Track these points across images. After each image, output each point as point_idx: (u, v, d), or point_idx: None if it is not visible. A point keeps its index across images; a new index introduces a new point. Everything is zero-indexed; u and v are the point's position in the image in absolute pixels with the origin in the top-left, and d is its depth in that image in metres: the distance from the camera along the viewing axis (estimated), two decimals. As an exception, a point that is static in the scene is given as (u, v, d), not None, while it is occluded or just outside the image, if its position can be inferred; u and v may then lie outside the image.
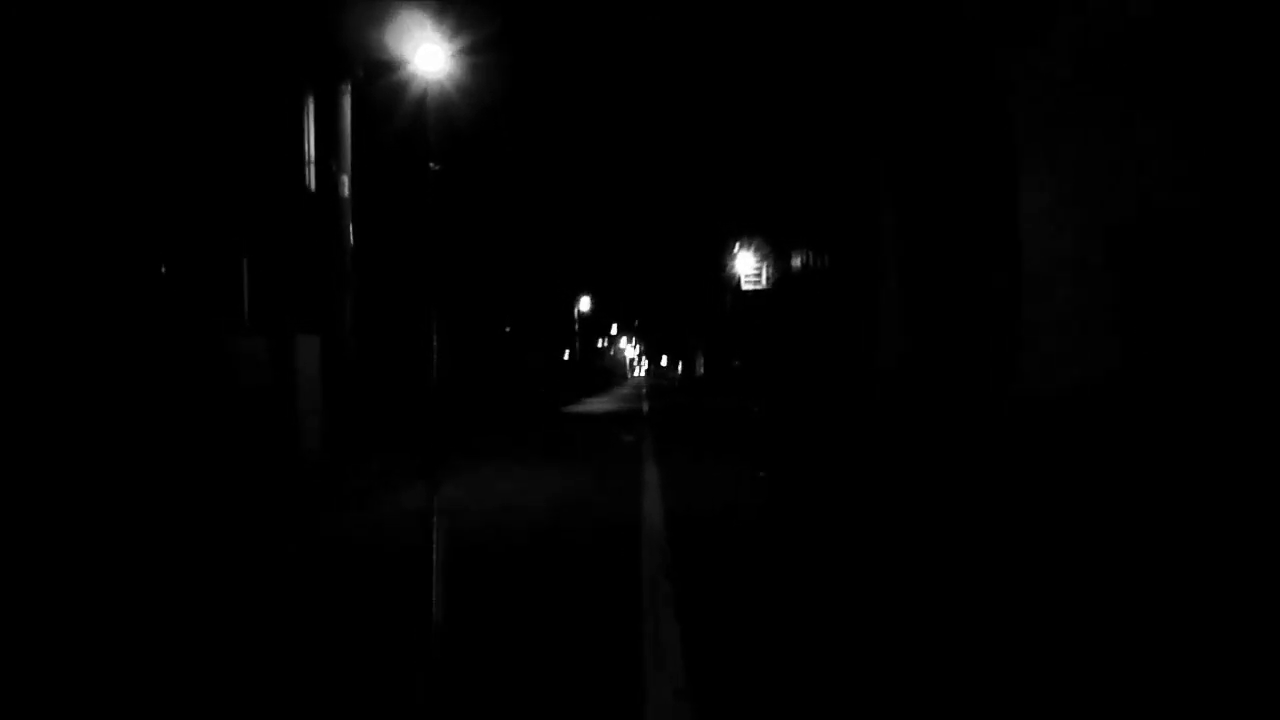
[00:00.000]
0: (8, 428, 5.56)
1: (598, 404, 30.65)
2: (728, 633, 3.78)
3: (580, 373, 42.10)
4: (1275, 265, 5.64)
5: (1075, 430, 7.43)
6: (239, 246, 8.70)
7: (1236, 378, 5.98)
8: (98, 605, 4.37)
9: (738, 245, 32.71)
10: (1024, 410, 8.19)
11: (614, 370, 67.41)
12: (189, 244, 8.00)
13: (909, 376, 11.61)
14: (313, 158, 8.76)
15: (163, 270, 7.67)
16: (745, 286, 32.66)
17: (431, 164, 8.98)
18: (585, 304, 44.69)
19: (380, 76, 9.75)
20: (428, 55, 9.74)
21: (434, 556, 5.45)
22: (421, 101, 11.57)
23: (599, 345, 57.61)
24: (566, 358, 39.50)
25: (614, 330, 67.27)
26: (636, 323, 74.99)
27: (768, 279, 31.38)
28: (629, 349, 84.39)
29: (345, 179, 8.68)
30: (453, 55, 10.24)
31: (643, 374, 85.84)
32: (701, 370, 52.34)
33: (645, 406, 27.93)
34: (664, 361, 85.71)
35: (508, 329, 26.50)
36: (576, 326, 43.22)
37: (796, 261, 24.45)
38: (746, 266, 32.88)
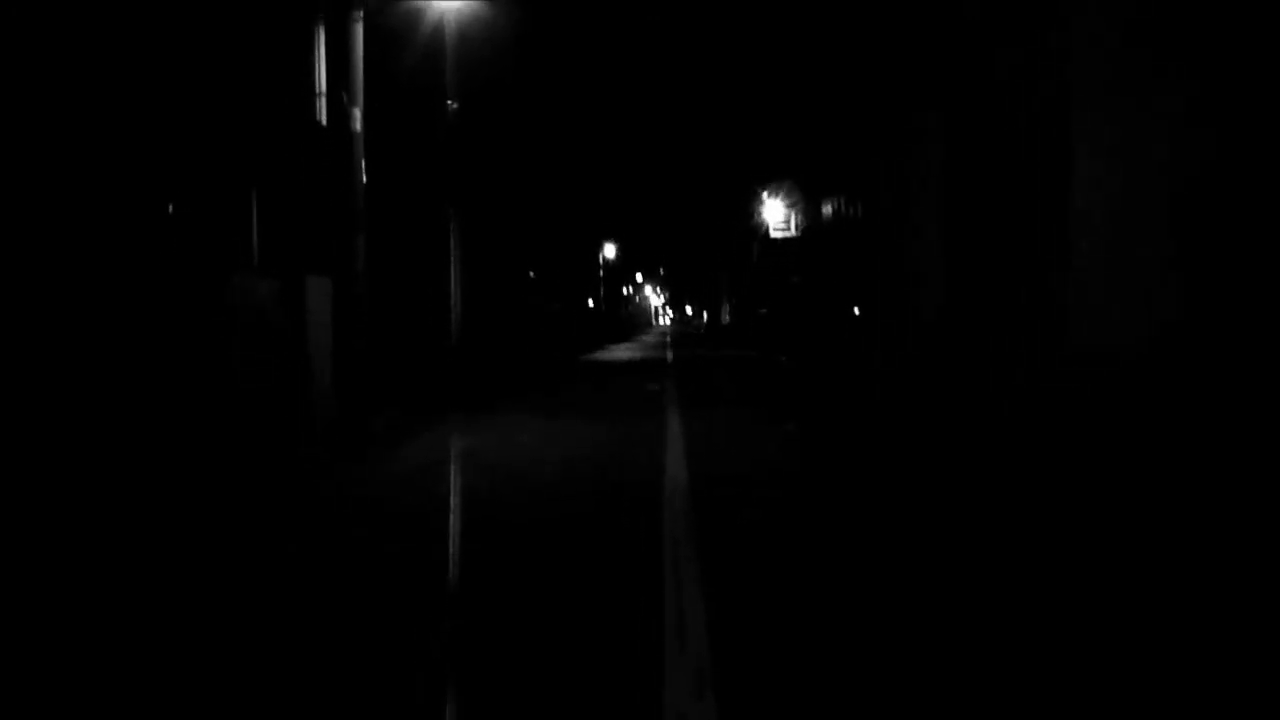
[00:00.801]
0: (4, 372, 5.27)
1: (621, 352, 30.31)
2: (756, 615, 3.42)
3: (604, 321, 41.73)
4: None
5: (1132, 387, 6.96)
6: (248, 183, 8.31)
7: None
8: (99, 570, 4.08)
9: (766, 193, 31.94)
10: (1074, 365, 7.72)
11: (638, 318, 67.02)
12: (197, 179, 7.63)
13: (948, 330, 11.11)
14: (324, 90, 8.31)
15: (169, 207, 7.32)
16: (774, 234, 31.96)
17: (449, 100, 8.49)
18: (610, 251, 44.15)
19: (394, 3, 9.23)
20: (445, -18, 9.20)
21: (448, 522, 5.14)
22: (438, 32, 11.02)
23: (623, 293, 57.14)
24: (590, 305, 39.10)
25: (639, 278, 66.72)
26: (661, 271, 74.33)
27: (797, 227, 30.64)
28: (653, 297, 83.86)
29: (357, 112, 8.23)
30: (472, -17, 9.68)
31: (667, 322, 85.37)
32: (727, 319, 51.76)
33: (669, 355, 27.56)
34: (689, 310, 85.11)
35: (531, 275, 26.10)
36: (601, 274, 42.75)
37: (827, 209, 23.74)
38: (775, 214, 32.13)
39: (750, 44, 26.94)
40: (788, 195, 30.12)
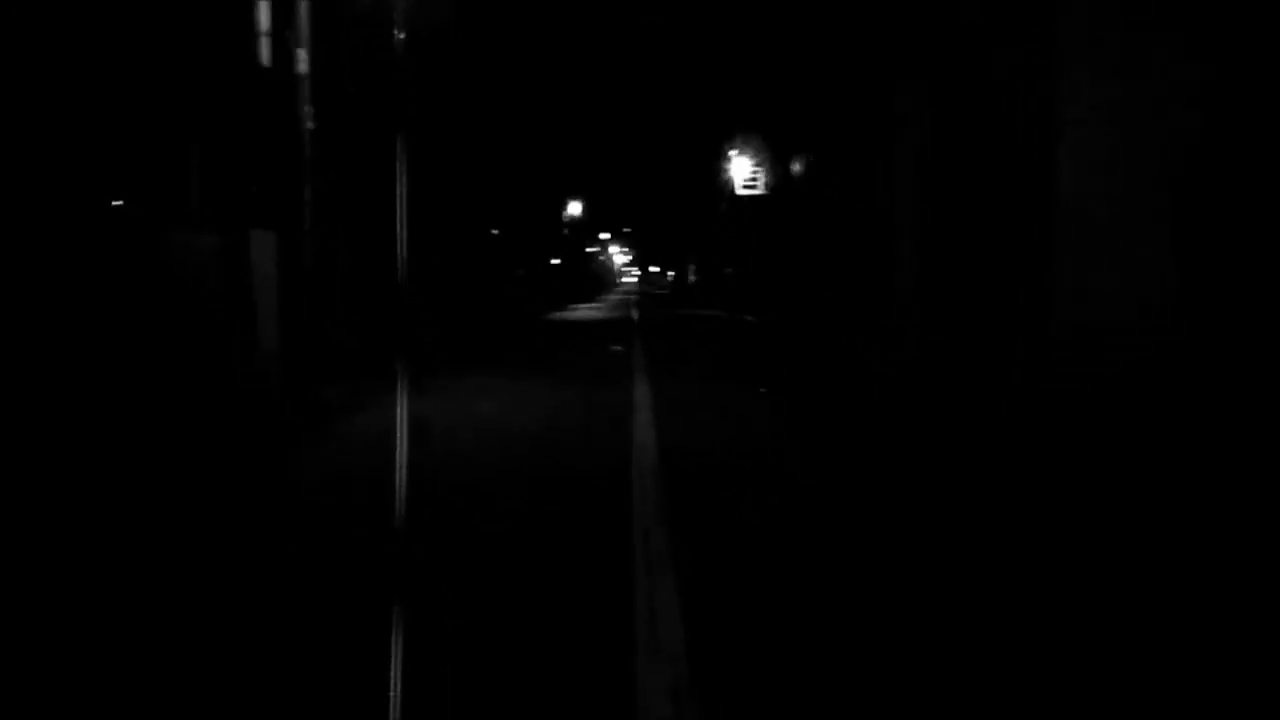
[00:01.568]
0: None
1: (586, 312, 29.82)
2: (739, 618, 3.07)
3: (569, 279, 41.13)
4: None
5: (1120, 364, 6.70)
6: (185, 130, 7.70)
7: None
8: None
9: (734, 149, 31.38)
10: (1060, 339, 7.44)
11: (603, 277, 66.41)
12: (125, 125, 7.02)
13: (923, 299, 10.81)
14: (267, 29, 7.68)
15: (93, 156, 6.71)
16: (741, 191, 31.44)
17: (397, 30, 7.84)
18: (575, 209, 43.39)
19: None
20: (398, -85, 8.54)
21: (398, 508, 4.71)
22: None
23: (588, 251, 56.43)
24: (554, 264, 38.44)
25: (604, 237, 65.97)
26: (627, 229, 73.57)
27: (765, 185, 30.18)
28: (619, 256, 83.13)
29: (303, 54, 7.64)
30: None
31: (633, 281, 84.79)
32: (693, 278, 51.34)
33: (635, 315, 27.15)
34: (654, 269, 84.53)
35: (494, 232, 25.43)
36: (565, 232, 42.04)
37: (797, 166, 23.29)
38: (743, 170, 31.57)
39: (720, -4, 26.22)
40: (756, 152, 29.59)
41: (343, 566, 3.45)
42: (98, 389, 5.72)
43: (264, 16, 7.69)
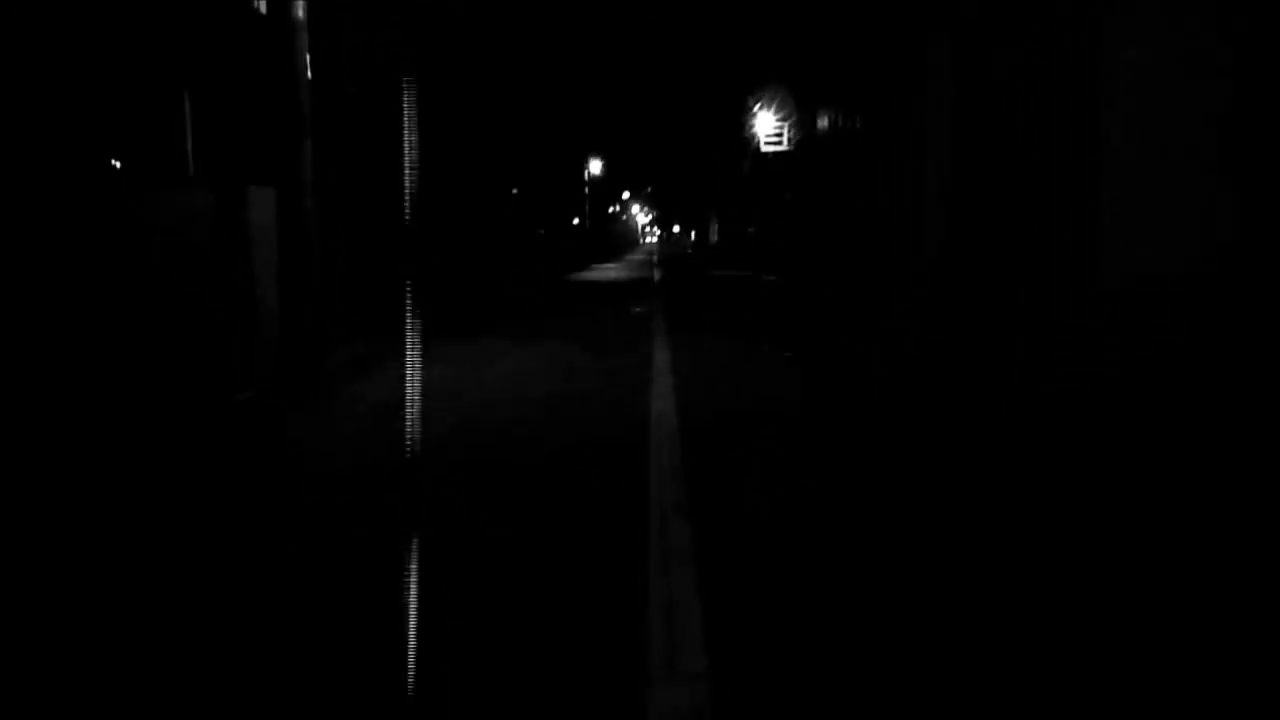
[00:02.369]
0: None
1: (607, 272, 29.36)
2: (764, 604, 2.69)
3: (590, 239, 40.60)
4: None
5: (1176, 316, 6.20)
6: (178, 81, 7.30)
7: None
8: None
9: (757, 104, 30.55)
10: (1107, 296, 6.93)
11: (625, 237, 65.78)
12: (117, 77, 6.63)
13: (955, 258, 10.27)
14: (262, -27, 7.25)
15: (86, 106, 6.33)
16: (765, 148, 30.66)
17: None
18: (596, 167, 42.72)
19: None
20: None
21: (401, 487, 4.38)
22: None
23: (610, 211, 55.77)
24: (575, 223, 37.90)
25: (625, 196, 65.21)
26: (649, 189, 72.70)
27: (789, 140, 29.37)
28: (640, 216, 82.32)
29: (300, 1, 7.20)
30: None
31: (654, 242, 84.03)
32: (715, 238, 50.61)
33: (656, 275, 26.66)
34: (676, 229, 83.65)
35: (514, 191, 24.95)
36: (586, 191, 41.43)
37: (823, 121, 22.54)
38: (766, 126, 30.76)
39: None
40: (780, 106, 28.77)
41: (339, 565, 3.10)
42: (81, 359, 5.39)
43: (259, -41, 7.24)
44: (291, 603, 2.71)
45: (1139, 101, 6.79)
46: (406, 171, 3.18)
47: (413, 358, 2.21)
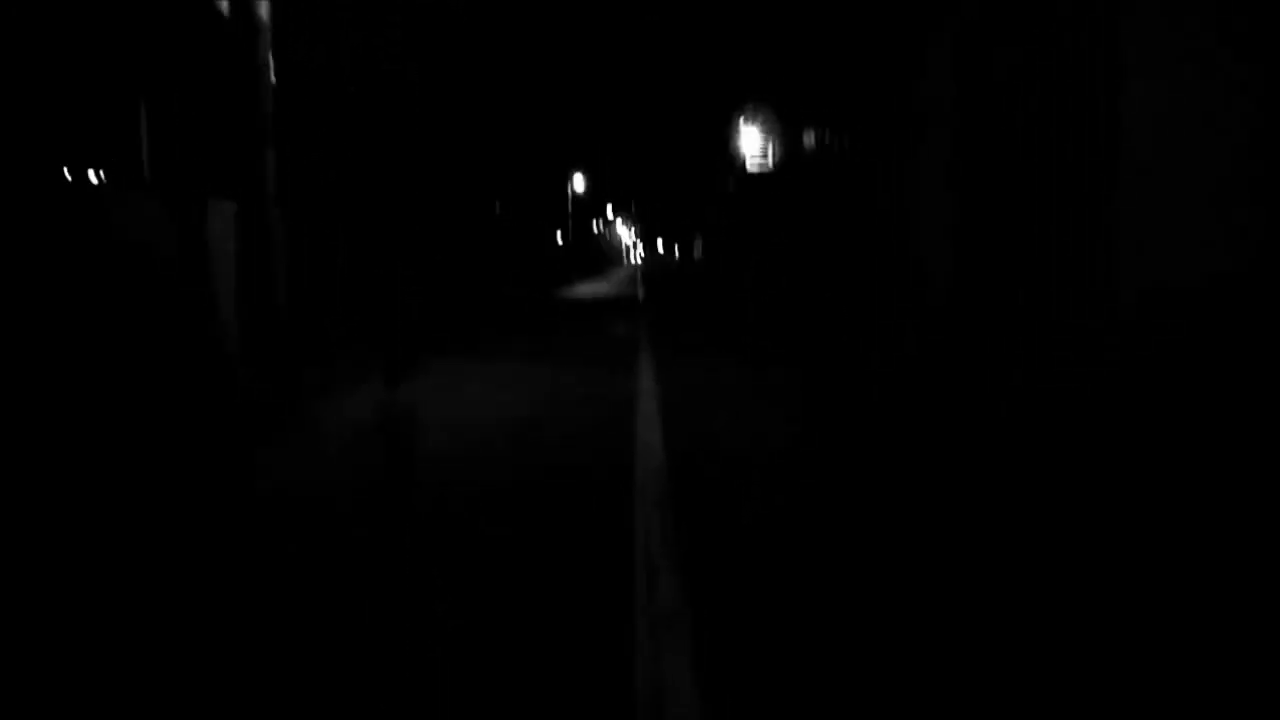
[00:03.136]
0: None
1: (591, 289, 28.96)
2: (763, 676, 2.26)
3: (574, 256, 40.25)
4: None
5: (1197, 329, 5.85)
6: (133, 85, 6.87)
7: None
8: None
9: (742, 119, 30.33)
10: (1123, 311, 6.58)
11: (609, 254, 65.58)
12: (66, 80, 6.19)
13: (958, 276, 9.92)
14: (225, -28, 6.84)
15: (30, 112, 5.90)
16: (750, 168, 30.44)
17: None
18: (579, 183, 42.44)
19: None
20: None
21: (368, 535, 3.94)
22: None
23: (594, 228, 55.48)
24: (559, 240, 37.51)
25: (609, 213, 65.04)
26: (633, 206, 72.61)
27: (774, 159, 29.15)
28: (625, 233, 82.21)
29: (264, 1, 6.79)
30: None
31: (639, 258, 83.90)
32: (700, 255, 50.38)
33: (641, 293, 26.30)
34: (660, 247, 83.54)
35: (496, 207, 24.54)
36: (570, 208, 41.12)
37: (809, 139, 22.31)
38: (751, 145, 30.52)
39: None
40: (765, 123, 28.58)
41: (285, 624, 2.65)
42: (15, 384, 4.92)
43: (221, -42, 6.84)
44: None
45: (1157, 102, 6.46)
46: (384, 185, 2.78)
47: (391, 379, 1.79)
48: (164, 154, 6.93)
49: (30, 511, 3.83)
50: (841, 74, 16.93)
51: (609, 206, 62.74)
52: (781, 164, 27.30)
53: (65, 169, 6.35)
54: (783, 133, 27.19)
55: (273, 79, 6.82)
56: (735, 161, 32.82)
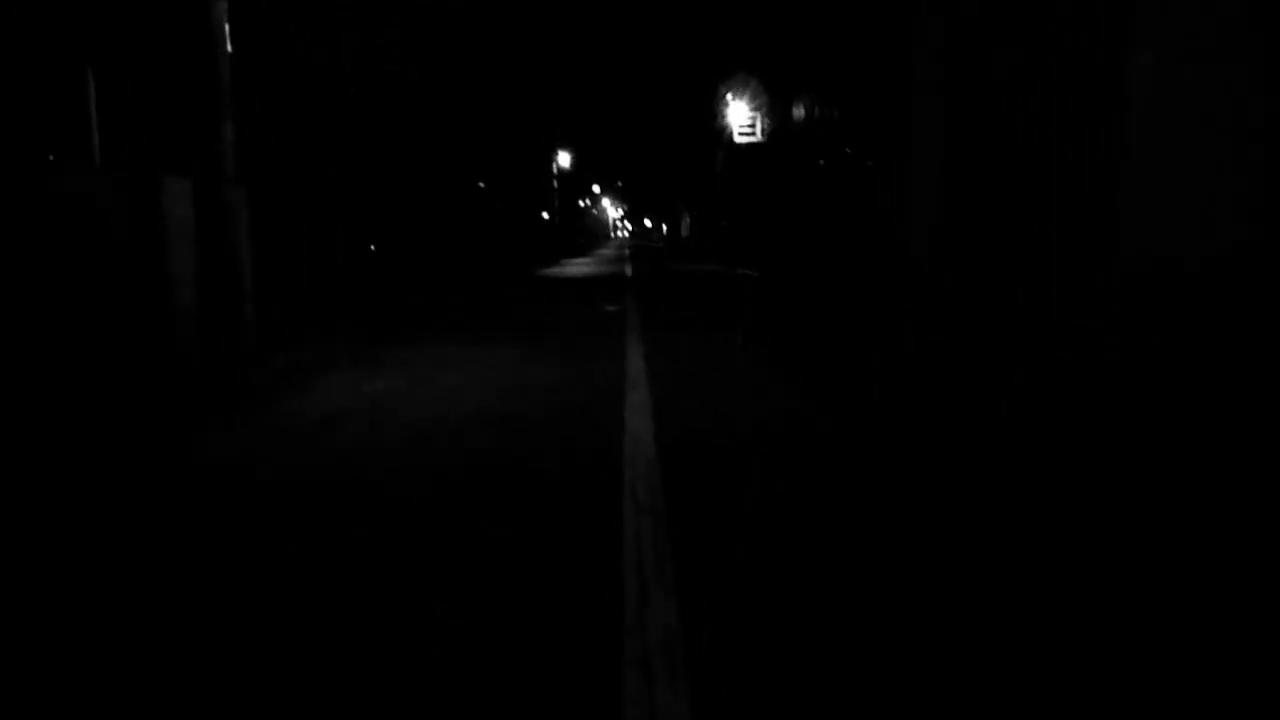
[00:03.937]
0: None
1: (577, 268, 28.50)
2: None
3: (560, 234, 39.69)
4: None
5: (1202, 305, 5.50)
6: (82, 53, 6.39)
7: None
8: None
9: (730, 92, 29.78)
10: (1125, 283, 6.23)
11: (595, 232, 65.01)
12: (5, 47, 5.72)
13: (948, 250, 9.55)
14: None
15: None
16: (738, 140, 29.91)
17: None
18: (565, 160, 41.80)
19: None
20: None
21: (322, 538, 3.56)
22: None
23: (580, 205, 54.84)
24: (545, 218, 36.93)
25: (596, 190, 64.37)
26: (620, 183, 71.91)
27: (763, 132, 28.62)
28: (611, 210, 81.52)
29: (219, -38, 6.31)
30: None
31: (625, 236, 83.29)
32: (687, 233, 49.87)
33: (628, 270, 25.87)
34: (648, 223, 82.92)
35: (480, 185, 23.98)
36: (555, 184, 40.50)
37: (798, 111, 21.81)
38: (740, 117, 30.01)
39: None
40: (753, 96, 28.06)
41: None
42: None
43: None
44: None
45: (1163, 93, 6.08)
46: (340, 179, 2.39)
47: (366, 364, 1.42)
48: (115, 128, 6.46)
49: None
50: (831, 44, 16.45)
51: (595, 185, 62.03)
52: (770, 136, 26.79)
53: (3, 143, 5.88)
54: (771, 105, 26.67)
55: (229, 47, 6.36)
56: (723, 135, 32.29)
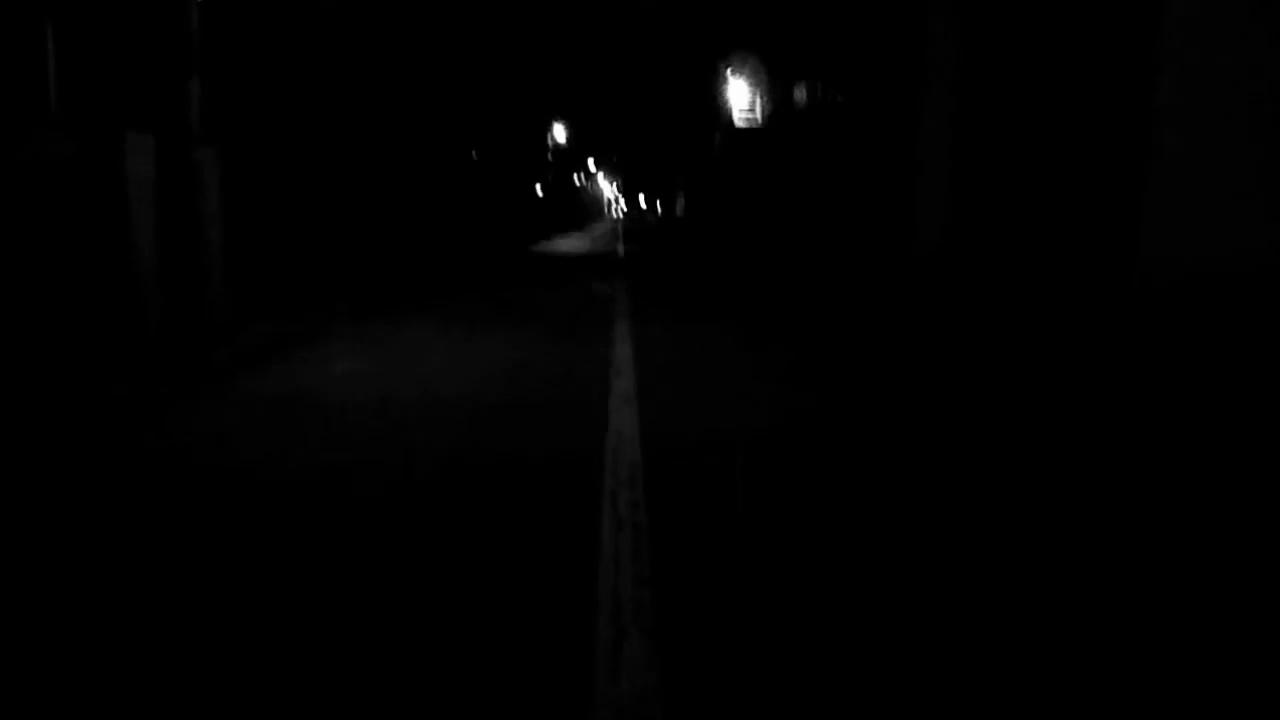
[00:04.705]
0: None
1: (570, 244, 28.06)
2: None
3: (553, 209, 39.16)
4: None
5: (1222, 309, 5.21)
6: (39, 1, 5.96)
7: None
8: None
9: (729, 71, 29.21)
10: (1145, 285, 5.92)
11: (590, 208, 64.42)
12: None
13: (959, 246, 9.21)
14: None
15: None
16: (738, 122, 29.37)
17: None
18: (560, 134, 41.15)
19: None
20: None
21: (281, 526, 3.22)
22: None
23: (575, 180, 54.22)
24: (538, 192, 36.37)
25: (591, 165, 63.69)
26: (615, 159, 71.19)
27: (763, 114, 28.10)
28: (606, 186, 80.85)
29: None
30: None
31: (620, 213, 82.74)
32: (681, 212, 49.37)
33: (621, 249, 25.48)
34: (643, 201, 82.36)
35: (472, 155, 23.46)
36: (550, 158, 39.92)
37: (799, 94, 21.34)
38: (739, 99, 29.45)
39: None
40: (753, 75, 27.53)
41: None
42: None
43: None
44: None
45: (1194, 82, 5.75)
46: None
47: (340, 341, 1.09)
48: (75, 82, 6.03)
49: None
50: (836, 23, 16.02)
51: (590, 159, 61.34)
52: (770, 120, 26.31)
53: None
54: (771, 87, 26.17)
55: (199, -4, 5.93)
56: (721, 117, 31.76)
